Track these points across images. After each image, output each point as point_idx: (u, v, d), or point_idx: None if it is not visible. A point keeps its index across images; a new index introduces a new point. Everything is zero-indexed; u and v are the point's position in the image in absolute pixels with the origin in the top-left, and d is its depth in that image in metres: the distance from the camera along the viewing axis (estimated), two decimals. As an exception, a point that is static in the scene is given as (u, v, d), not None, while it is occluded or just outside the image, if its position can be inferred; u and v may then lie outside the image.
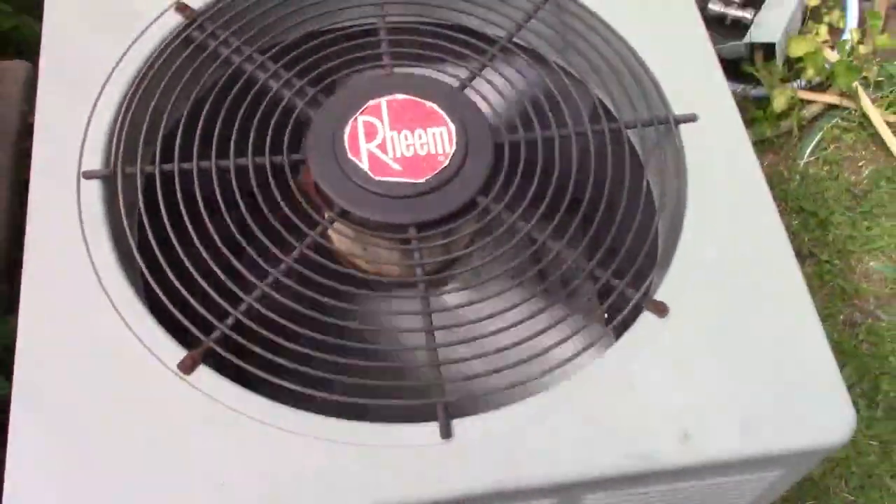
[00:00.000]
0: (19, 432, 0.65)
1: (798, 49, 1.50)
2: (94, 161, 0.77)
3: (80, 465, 0.64)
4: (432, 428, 0.67)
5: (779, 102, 1.47)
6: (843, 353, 1.30)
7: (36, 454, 0.64)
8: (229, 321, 0.70)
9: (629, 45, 0.87)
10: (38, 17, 1.47)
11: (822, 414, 0.70)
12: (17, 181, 1.27)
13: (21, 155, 1.29)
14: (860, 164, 1.50)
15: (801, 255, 1.39)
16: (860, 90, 1.50)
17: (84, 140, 0.78)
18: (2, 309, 1.17)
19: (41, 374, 0.67)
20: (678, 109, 0.84)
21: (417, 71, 0.86)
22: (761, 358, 0.72)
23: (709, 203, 0.79)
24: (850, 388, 1.24)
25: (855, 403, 1.24)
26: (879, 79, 1.53)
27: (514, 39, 0.88)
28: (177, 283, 0.71)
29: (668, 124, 0.83)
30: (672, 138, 0.83)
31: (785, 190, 1.46)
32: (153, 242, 0.73)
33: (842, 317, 1.34)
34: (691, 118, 0.83)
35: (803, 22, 1.60)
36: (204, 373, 0.68)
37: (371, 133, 0.78)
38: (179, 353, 0.69)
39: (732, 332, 0.72)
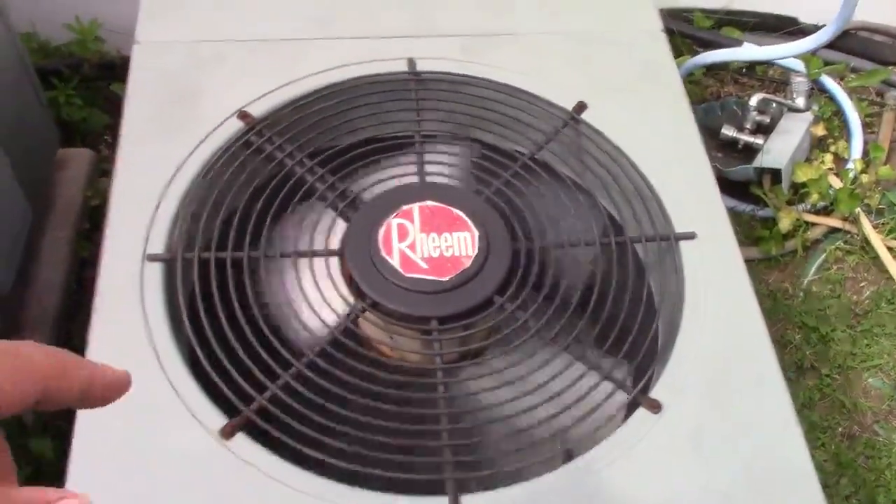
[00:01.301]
0: (77, 477, 0.73)
1: (803, 175, 1.60)
2: (157, 246, 0.87)
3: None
4: (442, 501, 0.74)
5: (784, 223, 1.56)
6: (841, 464, 1.36)
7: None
8: (267, 395, 0.79)
9: (637, 167, 0.97)
10: (105, 110, 1.63)
11: (798, 510, 0.77)
12: (75, 258, 1.38)
13: (80, 235, 1.41)
14: (861, 284, 1.58)
15: (803, 369, 1.46)
16: (862, 216, 1.59)
17: (150, 227, 0.88)
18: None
19: (98, 431, 0.76)
20: (679, 227, 0.93)
21: (447, 181, 0.96)
22: (744, 457, 0.79)
23: (703, 312, 0.87)
24: (846, 498, 1.30)
25: (851, 515, 1.29)
26: (881, 206, 1.62)
27: (535, 157, 0.99)
28: (223, 358, 0.79)
29: (669, 240, 0.92)
30: (672, 253, 0.92)
31: (789, 306, 1.53)
32: (204, 320, 0.82)
33: (840, 429, 1.40)
34: (690, 236, 0.92)
35: (810, 150, 1.71)
36: (242, 440, 0.76)
37: (403, 234, 0.88)
38: (222, 420, 0.77)
39: (719, 431, 0.80)
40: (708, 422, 0.80)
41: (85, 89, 1.63)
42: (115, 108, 1.61)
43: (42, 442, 1.13)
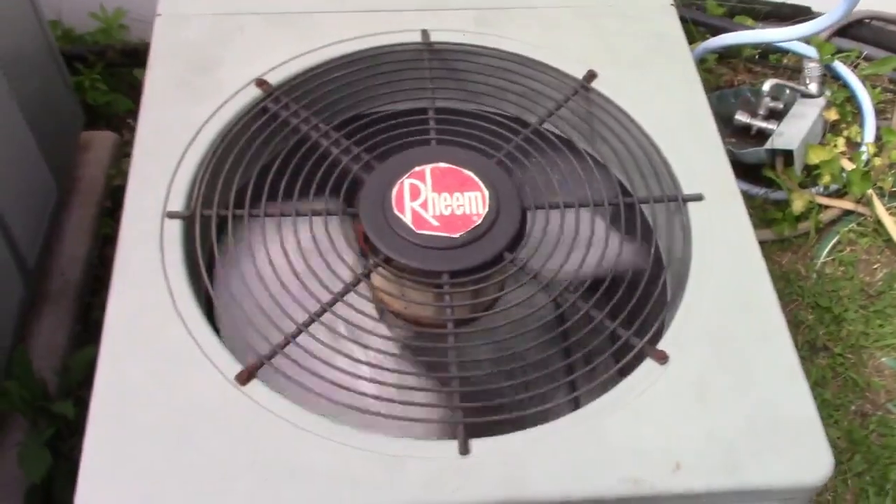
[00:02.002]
0: (95, 428, 0.76)
1: (816, 157, 1.61)
2: (177, 204, 0.90)
3: (147, 456, 0.74)
4: (452, 445, 0.76)
5: (797, 205, 1.57)
6: (854, 442, 1.36)
7: (109, 445, 0.75)
8: (280, 342, 0.81)
9: (645, 132, 0.99)
10: (128, 95, 1.66)
11: (803, 456, 0.78)
12: (97, 235, 1.41)
13: (102, 213, 1.44)
14: (874, 266, 1.59)
15: (816, 348, 1.47)
16: (875, 198, 1.60)
17: (170, 187, 0.91)
18: (76, 345, 1.29)
19: (119, 378, 0.78)
20: (687, 189, 0.95)
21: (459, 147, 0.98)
22: (750, 404, 0.80)
23: (710, 270, 0.89)
24: (859, 475, 1.31)
25: (864, 491, 1.30)
26: (894, 189, 1.63)
27: (545, 125, 1.01)
28: (242, 307, 0.82)
29: (677, 202, 0.94)
30: (680, 213, 0.94)
31: (802, 287, 1.54)
32: (221, 273, 0.85)
33: (853, 407, 1.41)
34: (698, 197, 0.94)
35: (823, 135, 1.72)
36: (258, 385, 0.79)
37: (415, 193, 0.90)
38: (238, 367, 0.79)
39: (725, 381, 0.81)
40: (713, 373, 0.82)
41: (109, 75, 1.67)
42: (137, 93, 1.64)
43: (64, 405, 1.16)
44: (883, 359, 1.47)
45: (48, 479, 1.14)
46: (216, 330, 0.83)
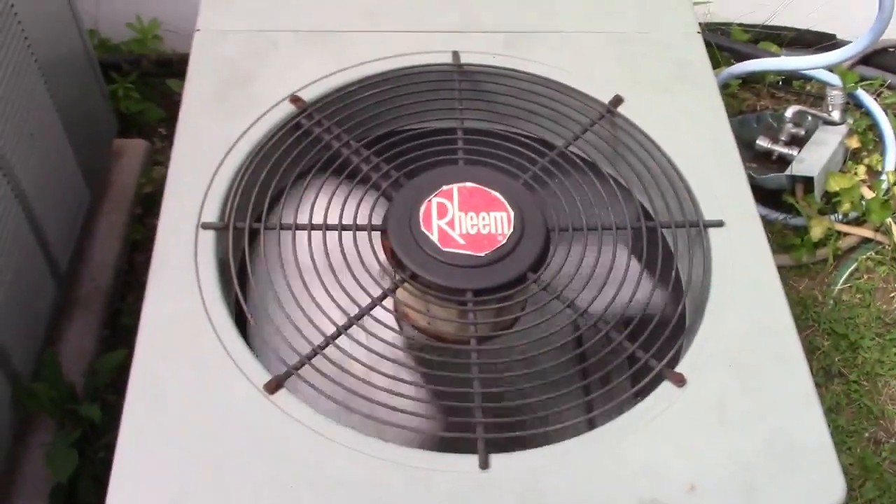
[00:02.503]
0: (127, 433, 0.78)
1: (836, 184, 1.62)
2: (211, 215, 0.92)
3: (177, 463, 0.76)
4: (473, 459, 0.78)
5: (816, 232, 1.58)
6: (867, 469, 1.37)
7: (139, 449, 0.77)
8: (308, 353, 0.83)
9: (669, 158, 1.01)
10: (161, 104, 1.70)
11: (816, 481, 0.79)
12: (127, 241, 1.45)
13: (132, 220, 1.47)
14: (891, 294, 1.60)
15: (831, 375, 1.48)
16: (894, 227, 1.61)
17: (205, 199, 0.94)
18: (105, 349, 1.32)
19: (151, 384, 0.81)
20: (708, 215, 0.97)
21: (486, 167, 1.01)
22: (764, 429, 0.82)
23: (729, 296, 0.91)
24: (870, 501, 1.31)
25: (876, 518, 1.31)
26: (914, 219, 1.65)
27: (571, 148, 1.03)
28: (272, 318, 0.85)
29: (698, 227, 0.96)
30: (701, 239, 0.95)
31: (818, 313, 1.55)
32: (254, 283, 0.87)
33: (867, 434, 1.42)
34: (718, 223, 0.96)
35: (844, 162, 1.73)
36: (285, 395, 0.81)
37: (442, 212, 0.92)
38: (267, 377, 0.82)
39: (741, 405, 0.83)
40: (730, 397, 0.84)
41: (143, 84, 1.71)
42: (170, 103, 1.69)
43: (91, 408, 1.18)
44: (898, 387, 1.48)
45: (73, 480, 1.17)
46: (247, 339, 0.85)
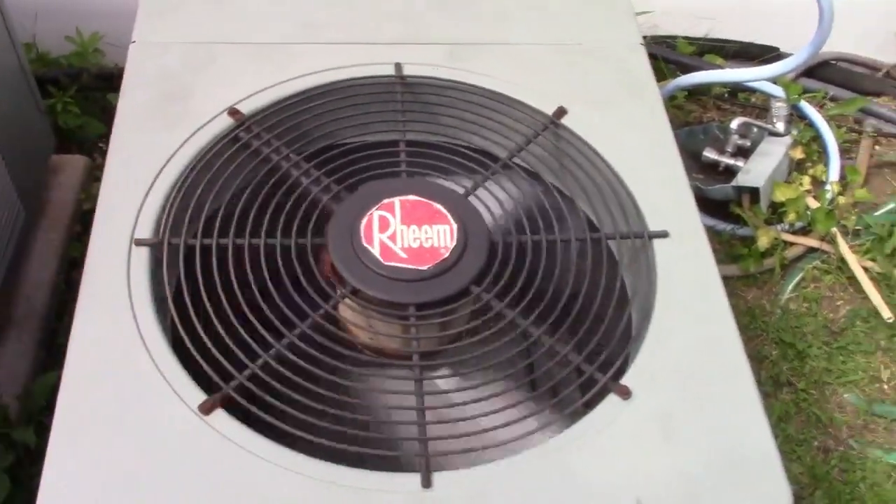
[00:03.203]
0: (56, 455, 0.75)
1: (782, 194, 1.64)
2: (145, 231, 0.90)
3: (108, 485, 0.73)
4: (416, 478, 0.76)
5: (762, 242, 1.60)
6: (816, 477, 1.38)
7: (70, 472, 0.74)
8: (246, 373, 0.81)
9: (613, 169, 1.00)
10: (101, 119, 1.66)
11: (762, 494, 0.78)
12: (64, 259, 1.40)
13: (71, 237, 1.43)
14: (838, 303, 1.61)
15: (780, 383, 1.49)
16: (839, 237, 1.63)
17: (139, 214, 0.91)
18: (40, 371, 1.28)
19: (81, 406, 0.78)
20: (653, 226, 0.96)
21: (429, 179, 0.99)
22: (711, 442, 0.81)
23: (674, 306, 0.90)
24: (820, 510, 1.32)
25: (825, 526, 1.31)
26: (857, 228, 1.66)
27: (515, 159, 1.02)
28: (205, 338, 0.82)
29: (643, 238, 0.95)
30: (646, 250, 0.95)
31: (766, 322, 1.56)
32: (188, 303, 0.85)
33: (816, 443, 1.42)
34: (663, 234, 0.95)
35: (789, 173, 1.75)
36: (222, 416, 0.78)
37: (384, 225, 0.91)
38: (203, 397, 0.79)
39: (687, 418, 0.82)
40: (676, 409, 0.83)
41: (82, 99, 1.67)
42: (110, 117, 1.64)
43: (25, 432, 1.14)
44: (845, 395, 1.49)
45: (6, 505, 1.13)
46: (182, 359, 0.82)
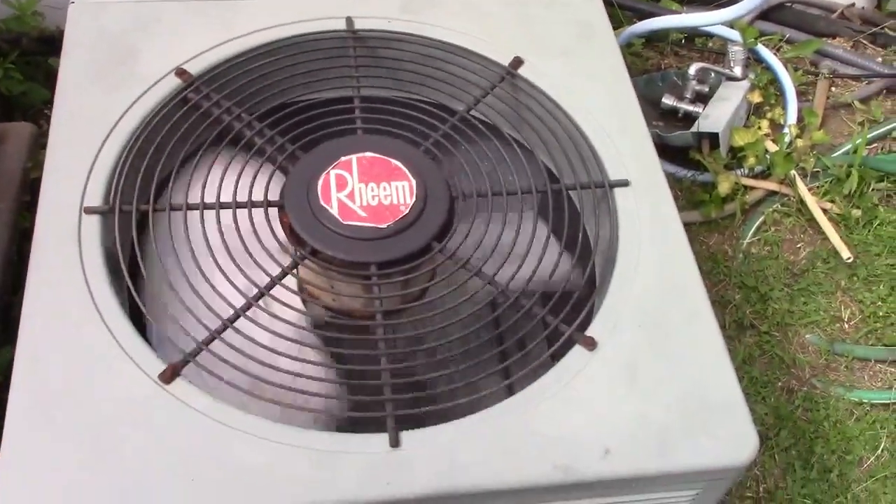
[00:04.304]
0: (14, 433, 0.73)
1: (740, 139, 1.64)
2: (95, 198, 0.87)
3: (68, 458, 0.72)
4: (383, 438, 0.76)
5: (723, 187, 1.60)
6: (780, 417, 1.40)
7: (29, 449, 0.72)
8: (205, 338, 0.79)
9: (573, 119, 0.99)
10: (45, 84, 1.60)
11: (729, 437, 0.79)
12: (16, 231, 1.36)
13: (21, 207, 1.39)
14: (798, 245, 1.63)
15: (743, 326, 1.50)
16: (798, 179, 1.64)
17: (87, 181, 0.88)
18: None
19: (37, 379, 0.76)
20: (613, 175, 0.95)
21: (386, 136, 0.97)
22: (677, 388, 0.81)
23: (637, 255, 0.90)
24: (786, 450, 1.34)
25: (791, 465, 1.34)
26: (816, 170, 1.67)
27: (472, 112, 1.00)
28: (164, 304, 0.80)
29: (604, 188, 0.95)
30: (607, 199, 0.94)
31: (729, 267, 1.57)
32: (143, 270, 0.82)
33: (780, 384, 1.44)
34: (624, 183, 0.95)
35: (747, 117, 1.75)
36: (181, 383, 0.77)
37: (342, 184, 0.89)
38: (161, 366, 0.77)
39: (652, 365, 0.82)
40: (641, 358, 0.83)
41: (24, 64, 1.60)
42: (54, 83, 1.59)
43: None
44: (807, 336, 1.51)
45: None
46: (139, 328, 0.80)
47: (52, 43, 1.59)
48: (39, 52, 1.62)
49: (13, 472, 0.71)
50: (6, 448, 0.72)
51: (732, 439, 0.79)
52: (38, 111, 1.60)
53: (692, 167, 1.67)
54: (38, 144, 1.49)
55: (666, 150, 1.65)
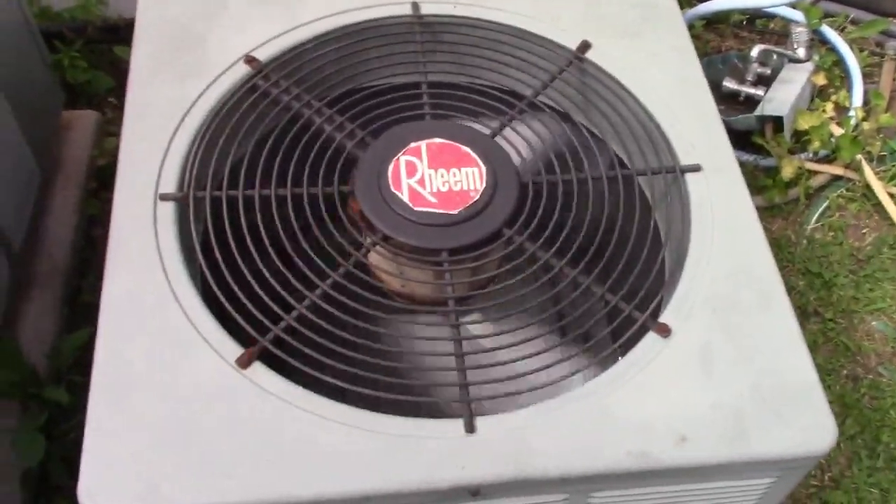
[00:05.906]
0: (96, 415, 0.74)
1: (805, 122, 1.61)
2: (169, 185, 0.88)
3: (148, 443, 0.73)
4: (459, 423, 0.76)
5: (786, 171, 1.57)
6: (846, 405, 1.37)
7: (111, 431, 0.74)
8: (282, 325, 0.80)
9: (642, 104, 0.98)
10: (109, 72, 1.63)
11: (807, 425, 0.78)
12: (83, 216, 1.39)
13: (87, 194, 1.42)
14: (863, 231, 1.59)
15: (807, 314, 1.47)
16: (864, 163, 1.60)
17: (161, 168, 0.89)
18: (65, 328, 1.27)
19: (119, 362, 0.77)
20: (684, 160, 0.94)
21: (454, 121, 0.97)
22: (752, 375, 0.80)
23: (709, 241, 0.88)
24: (851, 438, 1.32)
25: (857, 454, 1.32)
26: (882, 153, 1.63)
27: (540, 97, 1.00)
28: (238, 292, 0.81)
29: (675, 173, 0.93)
30: (678, 185, 0.93)
31: (792, 253, 1.55)
32: (218, 256, 0.83)
33: (844, 372, 1.42)
34: (696, 168, 0.93)
35: (811, 100, 1.72)
36: (259, 368, 0.78)
37: (412, 170, 0.89)
38: (238, 351, 0.78)
39: (727, 352, 0.81)
40: (716, 344, 0.82)
41: (89, 52, 1.64)
42: (119, 71, 1.62)
43: (56, 391, 1.14)
44: (873, 323, 1.48)
45: (43, 463, 1.13)
46: (214, 312, 0.81)
47: (115, 31, 1.62)
48: (103, 40, 1.65)
49: (96, 455, 0.72)
50: (90, 434, 0.73)
51: (810, 427, 0.78)
52: (102, 99, 1.63)
53: (754, 151, 1.65)
54: (103, 132, 1.52)
55: (728, 134, 1.62)
